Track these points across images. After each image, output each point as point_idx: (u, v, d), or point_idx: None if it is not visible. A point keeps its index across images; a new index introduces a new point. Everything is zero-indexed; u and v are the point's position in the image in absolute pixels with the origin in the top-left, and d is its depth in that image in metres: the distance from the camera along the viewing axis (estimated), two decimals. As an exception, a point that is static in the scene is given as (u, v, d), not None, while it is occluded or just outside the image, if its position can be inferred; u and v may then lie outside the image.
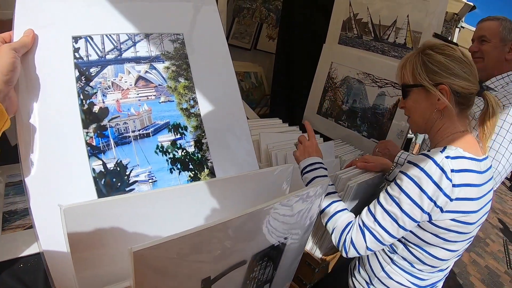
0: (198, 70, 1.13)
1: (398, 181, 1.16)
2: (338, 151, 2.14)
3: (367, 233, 1.18)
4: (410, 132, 2.26)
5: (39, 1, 0.89)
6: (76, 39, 0.95)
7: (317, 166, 1.36)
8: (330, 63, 2.56)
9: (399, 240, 1.27)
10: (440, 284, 1.43)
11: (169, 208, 0.86)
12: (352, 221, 1.24)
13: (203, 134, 1.09)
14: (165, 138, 1.04)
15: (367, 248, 1.18)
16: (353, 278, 1.51)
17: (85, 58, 0.96)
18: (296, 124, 2.35)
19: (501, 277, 4.28)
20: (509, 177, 7.96)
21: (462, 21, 3.49)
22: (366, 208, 1.23)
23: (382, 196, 1.19)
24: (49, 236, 0.79)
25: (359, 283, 1.47)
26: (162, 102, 1.05)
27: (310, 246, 1.56)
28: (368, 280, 1.42)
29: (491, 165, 1.25)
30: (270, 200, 0.77)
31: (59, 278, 0.77)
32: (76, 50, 0.95)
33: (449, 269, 1.40)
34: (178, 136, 1.06)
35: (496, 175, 1.68)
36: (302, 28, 2.92)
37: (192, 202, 0.89)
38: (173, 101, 1.07)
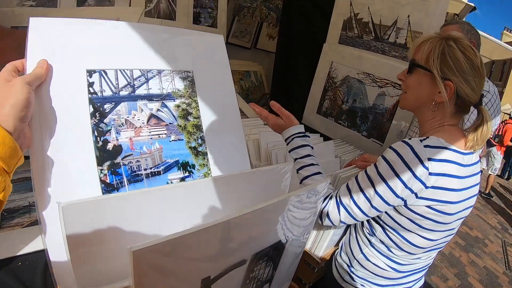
0: (205, 108, 1.13)
1: (376, 163, 1.22)
2: (338, 150, 2.14)
3: (342, 209, 1.24)
4: (408, 134, 2.27)
5: (53, 31, 0.86)
6: (90, 72, 0.92)
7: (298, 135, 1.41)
8: (330, 62, 2.55)
9: (377, 223, 1.31)
10: (422, 273, 1.45)
11: (169, 206, 0.85)
12: (330, 194, 1.29)
13: (209, 172, 1.09)
14: (174, 176, 1.03)
15: (341, 221, 1.26)
16: (335, 263, 1.55)
17: (99, 94, 0.93)
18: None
19: (500, 278, 4.30)
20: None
21: (462, 22, 3.51)
22: (345, 184, 1.28)
23: (360, 175, 1.25)
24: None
25: (341, 266, 1.50)
26: (172, 140, 1.05)
27: (309, 245, 1.57)
28: (348, 263, 1.46)
29: (478, 160, 1.26)
30: (269, 199, 0.77)
31: (60, 275, 0.76)
32: (91, 84, 0.92)
33: (430, 260, 1.42)
34: (187, 174, 1.06)
35: None
36: (302, 27, 2.90)
37: (192, 200, 0.89)
38: (182, 139, 1.07)
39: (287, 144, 1.41)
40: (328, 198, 1.28)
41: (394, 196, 1.15)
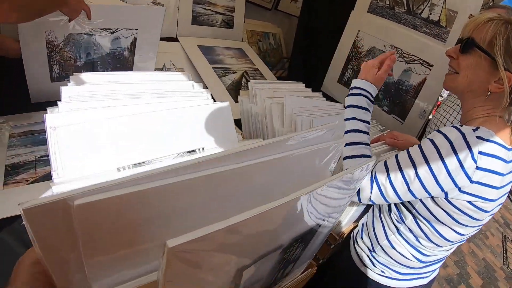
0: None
1: (422, 146, 1.12)
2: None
3: (375, 186, 1.15)
4: (433, 122, 2.22)
5: None
6: None
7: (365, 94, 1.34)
8: (357, 31, 2.43)
9: (409, 211, 1.24)
10: (440, 263, 1.42)
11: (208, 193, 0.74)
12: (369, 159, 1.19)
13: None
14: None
15: (370, 199, 1.17)
16: (355, 244, 1.50)
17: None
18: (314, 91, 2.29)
19: (497, 272, 4.33)
20: None
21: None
22: (383, 161, 1.18)
23: (402, 155, 1.15)
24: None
25: (362, 249, 1.45)
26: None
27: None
28: (370, 247, 1.41)
29: None
30: (314, 180, 0.69)
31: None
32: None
33: (452, 251, 1.38)
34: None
35: None
36: (329, -9, 2.78)
37: (235, 184, 0.80)
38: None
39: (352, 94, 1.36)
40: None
41: (435, 183, 1.07)
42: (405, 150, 1.16)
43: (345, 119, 1.31)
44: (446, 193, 1.10)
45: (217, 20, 2.73)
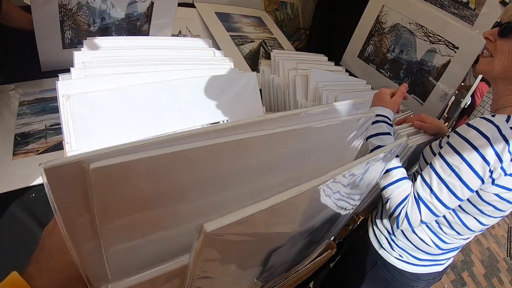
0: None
1: (457, 148, 1.06)
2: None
3: (422, 206, 1.10)
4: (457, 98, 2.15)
5: None
6: None
7: (383, 119, 1.25)
8: (382, 6, 2.31)
9: None
10: (456, 252, 1.41)
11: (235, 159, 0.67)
12: (409, 193, 1.14)
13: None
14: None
15: (421, 221, 1.11)
16: (374, 226, 1.47)
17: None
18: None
19: (500, 262, 4.33)
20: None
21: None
22: (419, 177, 1.14)
23: (438, 165, 1.09)
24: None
25: (381, 232, 1.43)
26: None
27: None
28: (390, 231, 1.38)
29: None
30: (342, 156, 0.64)
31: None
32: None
33: (470, 240, 1.35)
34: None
35: None
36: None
37: (264, 152, 0.73)
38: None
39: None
40: (406, 200, 1.14)
41: (481, 182, 1.04)
42: (438, 156, 1.11)
43: (370, 150, 1.25)
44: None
45: (235, -15, 2.63)
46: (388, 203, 1.16)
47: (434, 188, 1.08)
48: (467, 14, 1.91)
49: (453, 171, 1.05)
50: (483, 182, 1.03)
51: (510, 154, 1.00)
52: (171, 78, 1.11)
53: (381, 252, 1.42)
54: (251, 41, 2.49)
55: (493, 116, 1.05)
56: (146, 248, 0.53)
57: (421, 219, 1.11)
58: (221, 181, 0.56)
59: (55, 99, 1.45)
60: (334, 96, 1.53)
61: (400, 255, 1.37)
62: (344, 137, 0.81)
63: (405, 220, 1.12)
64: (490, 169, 1.01)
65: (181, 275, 0.52)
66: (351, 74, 2.33)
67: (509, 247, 4.69)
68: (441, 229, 1.24)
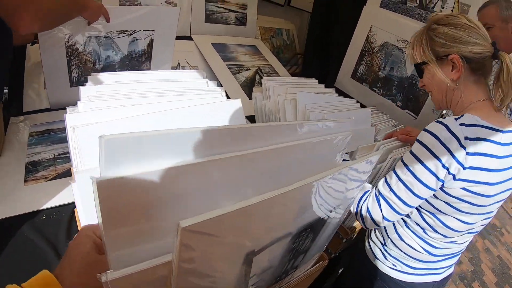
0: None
1: (412, 149, 1.16)
2: (373, 119, 2.07)
3: (382, 201, 1.19)
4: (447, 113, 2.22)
5: None
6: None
7: None
8: (370, 26, 2.42)
9: None
10: (454, 259, 1.43)
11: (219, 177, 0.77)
12: (369, 190, 1.25)
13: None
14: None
15: (384, 217, 1.19)
16: (369, 240, 1.52)
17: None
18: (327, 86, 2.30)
19: (512, 270, 4.29)
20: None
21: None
22: (383, 177, 1.23)
23: (398, 166, 1.19)
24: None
25: (375, 244, 1.47)
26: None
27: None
28: (382, 242, 1.43)
29: None
30: (320, 172, 0.72)
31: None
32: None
33: (465, 244, 1.39)
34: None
35: None
36: (342, -13, 2.79)
37: (247, 170, 0.82)
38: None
39: None
40: (366, 195, 1.24)
41: (437, 180, 1.11)
42: (400, 160, 1.20)
43: None
44: (443, 183, 1.12)
45: (230, 17, 2.77)
46: (352, 204, 1.24)
47: (393, 186, 1.17)
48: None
49: (408, 170, 1.14)
50: (438, 178, 1.10)
51: (464, 148, 1.06)
52: (167, 108, 1.20)
53: (375, 262, 1.46)
54: (247, 69, 2.60)
55: (443, 118, 1.14)
56: (144, 246, 0.62)
57: (382, 215, 1.19)
58: (206, 195, 0.66)
59: (62, 130, 1.56)
60: (321, 117, 1.61)
61: (393, 264, 1.40)
62: (322, 155, 0.90)
63: (368, 216, 1.20)
64: (444, 165, 1.08)
65: (168, 271, 0.60)
66: (346, 95, 2.42)
67: (520, 253, 4.64)
68: (426, 233, 1.29)
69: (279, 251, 0.83)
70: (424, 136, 1.12)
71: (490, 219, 1.30)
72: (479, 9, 1.97)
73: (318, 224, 0.90)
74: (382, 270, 1.44)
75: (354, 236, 1.67)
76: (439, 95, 1.31)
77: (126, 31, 1.75)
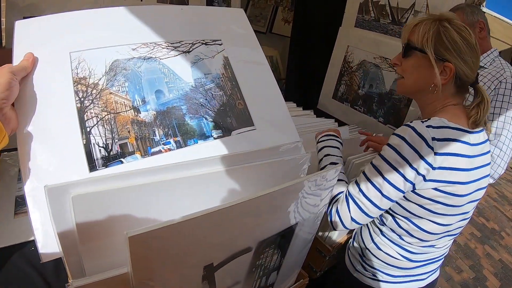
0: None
1: (381, 152, 1.18)
2: (354, 136, 2.11)
3: (351, 202, 1.20)
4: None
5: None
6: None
7: (331, 138, 1.45)
8: (346, 46, 2.51)
9: (387, 212, 1.28)
10: (437, 264, 1.43)
11: (186, 194, 0.83)
12: (342, 191, 1.26)
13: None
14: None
15: (352, 218, 1.20)
16: (348, 254, 1.52)
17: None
18: (311, 108, 2.33)
19: (515, 271, 4.25)
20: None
21: (483, 6, 3.41)
22: (353, 179, 1.25)
23: (367, 167, 1.21)
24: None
25: (354, 256, 1.48)
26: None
27: (321, 232, 1.56)
28: (360, 253, 1.44)
29: (487, 140, 1.24)
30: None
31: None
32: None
33: (446, 249, 1.40)
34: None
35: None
36: (317, 11, 2.87)
37: (210, 188, 0.87)
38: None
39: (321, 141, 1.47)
40: (337, 197, 1.26)
41: (404, 180, 1.12)
42: (370, 162, 1.23)
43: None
44: (413, 185, 1.14)
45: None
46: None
47: (362, 186, 1.19)
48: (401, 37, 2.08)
49: (377, 171, 1.16)
50: (406, 179, 1.12)
51: (432, 149, 1.08)
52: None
53: (356, 275, 1.46)
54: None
55: (411, 122, 1.16)
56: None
57: (351, 215, 1.19)
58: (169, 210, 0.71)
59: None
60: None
61: (373, 275, 1.40)
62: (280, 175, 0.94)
63: (336, 215, 1.22)
64: (411, 166, 1.10)
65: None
66: (329, 116, 2.46)
67: (524, 254, 4.61)
68: (402, 239, 1.29)
69: (242, 267, 0.86)
70: (392, 139, 1.16)
71: (467, 220, 1.31)
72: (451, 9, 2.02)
73: (281, 240, 0.93)
74: (363, 282, 1.44)
75: (338, 252, 1.67)
76: (412, 86, 1.29)
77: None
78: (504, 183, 6.92)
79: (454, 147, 1.11)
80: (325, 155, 1.39)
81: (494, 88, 1.91)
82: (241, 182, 0.91)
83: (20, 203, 1.41)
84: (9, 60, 0.87)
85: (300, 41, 3.07)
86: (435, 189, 1.14)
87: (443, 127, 1.12)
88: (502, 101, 1.90)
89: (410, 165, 1.10)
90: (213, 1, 2.67)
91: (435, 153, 1.09)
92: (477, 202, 1.28)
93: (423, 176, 1.11)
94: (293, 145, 1.07)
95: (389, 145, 1.15)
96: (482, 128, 1.21)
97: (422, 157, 1.09)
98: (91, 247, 0.67)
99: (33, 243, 1.27)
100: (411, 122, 1.15)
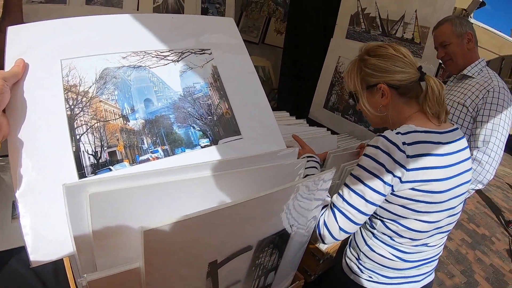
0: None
1: (359, 162, 1.24)
2: (344, 144, 2.14)
3: (337, 212, 1.23)
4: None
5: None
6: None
7: (309, 160, 1.53)
8: (338, 57, 2.56)
9: (375, 217, 1.33)
10: (432, 265, 1.46)
11: (190, 195, 0.85)
12: (326, 204, 1.30)
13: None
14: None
15: (340, 228, 1.22)
16: (346, 258, 1.55)
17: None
18: (303, 118, 2.36)
19: (506, 276, 4.26)
20: None
21: (471, 17, 3.47)
22: (337, 192, 1.29)
23: (348, 178, 1.26)
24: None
25: (351, 260, 1.50)
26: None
27: (315, 237, 1.57)
28: (356, 257, 1.46)
29: (463, 137, 1.33)
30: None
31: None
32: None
33: (440, 248, 1.43)
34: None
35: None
36: (309, 22, 2.93)
37: (209, 191, 0.89)
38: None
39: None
40: (323, 210, 1.29)
41: (383, 184, 1.18)
42: (350, 173, 1.28)
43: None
44: (392, 187, 1.19)
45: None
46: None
47: (345, 196, 1.23)
48: (414, 49, 2.14)
49: (358, 180, 1.21)
50: (385, 183, 1.17)
51: (404, 152, 1.15)
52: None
53: (352, 277, 1.48)
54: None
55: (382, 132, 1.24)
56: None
57: (338, 225, 1.22)
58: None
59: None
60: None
61: (369, 276, 1.43)
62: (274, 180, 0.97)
63: (324, 227, 1.24)
64: (388, 170, 1.16)
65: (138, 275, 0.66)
66: (319, 125, 2.49)
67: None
68: (394, 240, 1.33)
69: (244, 265, 0.89)
70: (368, 149, 1.22)
71: (457, 216, 1.36)
72: (434, 28, 2.11)
73: (280, 240, 0.95)
74: (359, 284, 1.46)
75: (335, 257, 1.69)
76: (374, 117, 1.42)
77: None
78: (494, 190, 7.02)
79: (424, 149, 1.18)
80: (305, 176, 1.42)
81: (482, 97, 1.96)
82: (244, 184, 0.94)
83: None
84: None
85: (292, 51, 3.12)
86: (412, 189, 1.19)
87: (411, 132, 1.19)
88: (490, 109, 1.95)
89: (387, 170, 1.16)
90: (207, 12, 2.70)
91: (407, 156, 1.15)
92: (463, 196, 1.33)
93: (399, 178, 1.17)
94: (290, 151, 1.10)
95: (365, 155, 1.22)
96: (455, 127, 1.32)
97: (396, 161, 1.16)
98: (103, 244, 0.69)
99: (31, 246, 1.33)
100: (382, 133, 1.22)
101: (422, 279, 1.44)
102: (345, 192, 1.24)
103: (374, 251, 1.37)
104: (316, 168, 1.49)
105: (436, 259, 1.45)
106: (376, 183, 1.18)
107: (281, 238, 0.96)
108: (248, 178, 0.96)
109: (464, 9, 3.15)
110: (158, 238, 0.59)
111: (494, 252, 4.74)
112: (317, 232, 1.27)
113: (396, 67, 1.29)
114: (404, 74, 1.29)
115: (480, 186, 2.01)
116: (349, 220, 1.22)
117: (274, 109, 2.91)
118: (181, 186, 0.80)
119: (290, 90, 3.17)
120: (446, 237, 1.43)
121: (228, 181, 0.89)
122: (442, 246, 1.45)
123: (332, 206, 1.25)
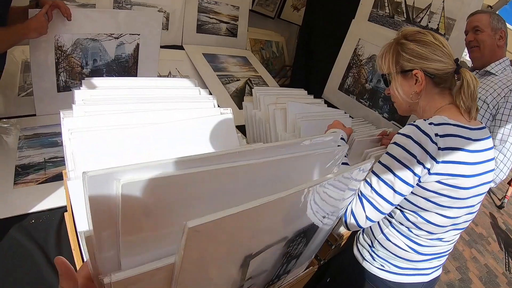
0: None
1: (388, 150, 1.22)
2: (360, 128, 2.11)
3: (365, 202, 1.22)
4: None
5: None
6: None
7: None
8: (358, 39, 2.49)
9: (395, 207, 1.30)
10: (441, 260, 1.46)
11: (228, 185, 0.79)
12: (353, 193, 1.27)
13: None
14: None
15: (367, 217, 1.22)
16: (357, 244, 1.55)
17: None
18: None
19: (499, 277, 4.30)
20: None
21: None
22: (363, 180, 1.26)
23: (376, 166, 1.24)
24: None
25: (363, 247, 1.50)
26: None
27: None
28: (370, 243, 1.47)
29: (489, 136, 1.31)
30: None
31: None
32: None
33: (452, 244, 1.43)
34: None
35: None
36: (331, 1, 2.85)
37: (253, 179, 0.85)
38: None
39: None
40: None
41: (413, 175, 1.16)
42: (378, 161, 1.25)
43: None
44: (419, 178, 1.18)
45: (221, 28, 2.81)
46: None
47: (374, 185, 1.21)
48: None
49: (387, 169, 1.19)
50: (415, 174, 1.16)
51: (436, 144, 1.14)
52: (161, 119, 1.21)
53: (364, 264, 1.48)
54: (237, 80, 2.64)
55: (414, 121, 1.21)
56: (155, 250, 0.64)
57: (365, 215, 1.22)
58: (210, 202, 0.69)
59: (53, 134, 1.58)
60: (311, 126, 1.65)
61: (381, 265, 1.43)
62: (319, 167, 0.94)
63: (351, 216, 1.23)
64: (419, 161, 1.15)
65: (168, 272, 0.61)
66: (332, 106, 2.46)
67: (507, 261, 4.69)
68: (411, 231, 1.32)
69: (274, 255, 0.85)
70: (398, 138, 1.19)
71: (474, 214, 1.35)
72: (471, 13, 2.06)
73: (311, 230, 0.92)
74: (370, 271, 1.46)
75: (343, 243, 1.69)
76: (403, 104, 1.40)
77: (113, 34, 1.87)
78: (495, 190, 7.04)
79: (456, 142, 1.17)
80: None
81: (504, 96, 1.93)
82: (288, 172, 0.90)
83: (20, 173, 1.37)
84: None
85: (310, 30, 3.03)
86: (439, 182, 1.18)
87: (444, 124, 1.18)
88: (511, 109, 1.93)
89: (418, 161, 1.15)
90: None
91: (439, 148, 1.14)
92: (483, 196, 1.32)
93: (428, 170, 1.16)
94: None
95: (396, 143, 1.19)
96: (483, 126, 1.29)
97: (427, 153, 1.14)
98: (132, 239, 0.61)
99: (33, 216, 1.26)
100: (414, 121, 1.20)
101: (431, 273, 1.44)
102: (374, 181, 1.21)
103: (390, 240, 1.37)
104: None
105: (446, 255, 1.45)
106: (406, 174, 1.16)
107: (312, 229, 0.94)
108: (298, 164, 0.93)
109: (490, 6, 3.11)
110: (202, 234, 0.54)
111: (490, 252, 4.79)
112: (343, 219, 1.25)
113: (434, 55, 1.27)
114: (442, 64, 1.27)
115: (492, 185, 2.00)
116: (376, 209, 1.21)
117: (286, 86, 2.90)
118: (223, 174, 0.73)
119: (305, 68, 3.10)
120: (459, 234, 1.42)
121: (266, 172, 0.86)
122: (454, 243, 1.45)
123: (360, 194, 1.23)
